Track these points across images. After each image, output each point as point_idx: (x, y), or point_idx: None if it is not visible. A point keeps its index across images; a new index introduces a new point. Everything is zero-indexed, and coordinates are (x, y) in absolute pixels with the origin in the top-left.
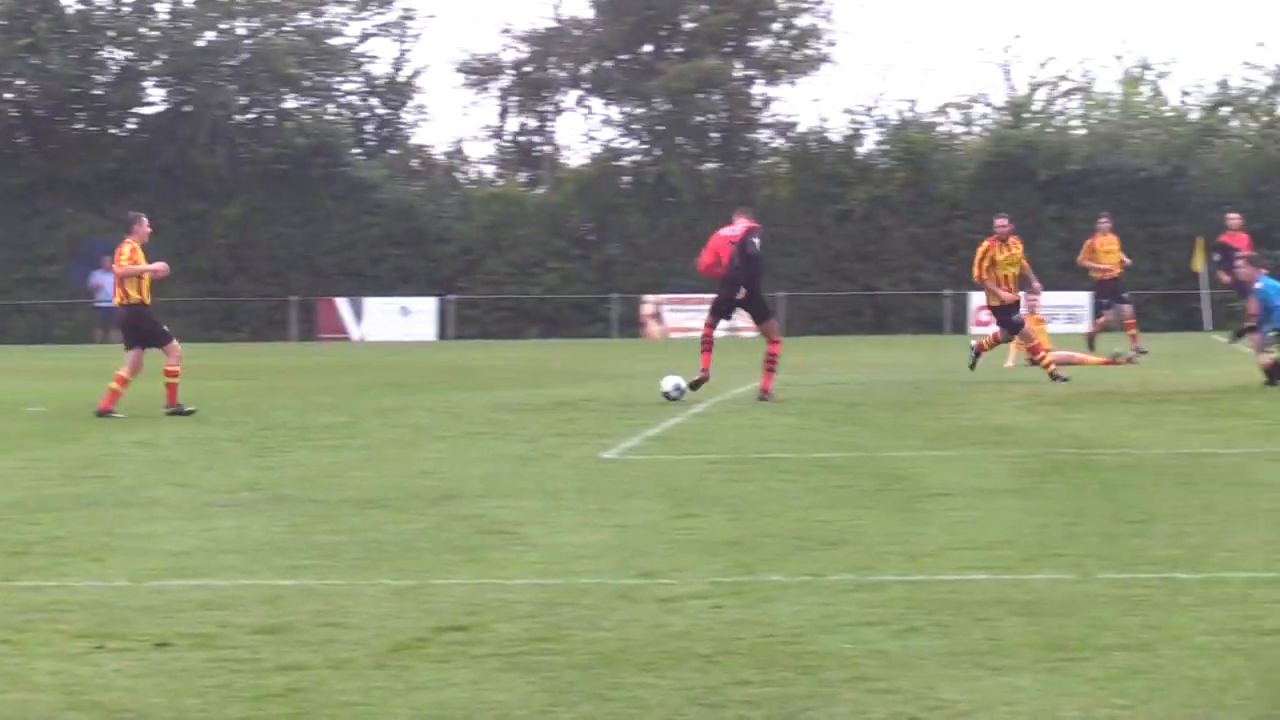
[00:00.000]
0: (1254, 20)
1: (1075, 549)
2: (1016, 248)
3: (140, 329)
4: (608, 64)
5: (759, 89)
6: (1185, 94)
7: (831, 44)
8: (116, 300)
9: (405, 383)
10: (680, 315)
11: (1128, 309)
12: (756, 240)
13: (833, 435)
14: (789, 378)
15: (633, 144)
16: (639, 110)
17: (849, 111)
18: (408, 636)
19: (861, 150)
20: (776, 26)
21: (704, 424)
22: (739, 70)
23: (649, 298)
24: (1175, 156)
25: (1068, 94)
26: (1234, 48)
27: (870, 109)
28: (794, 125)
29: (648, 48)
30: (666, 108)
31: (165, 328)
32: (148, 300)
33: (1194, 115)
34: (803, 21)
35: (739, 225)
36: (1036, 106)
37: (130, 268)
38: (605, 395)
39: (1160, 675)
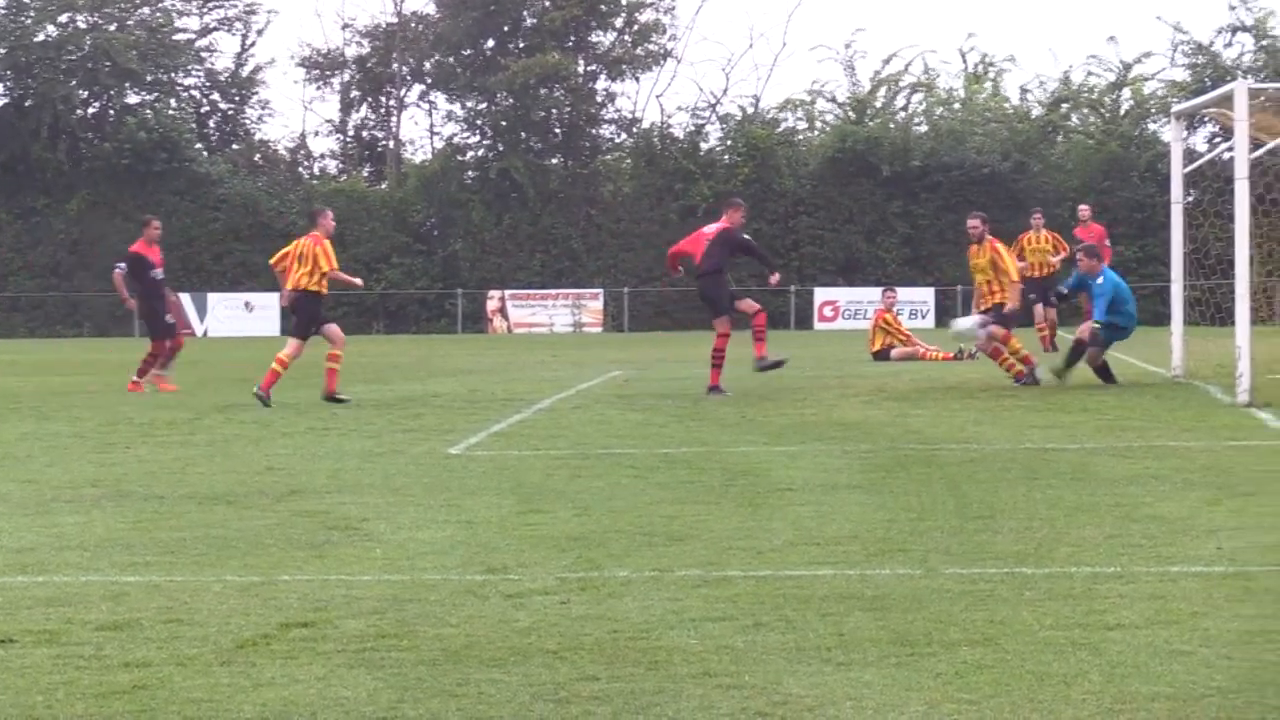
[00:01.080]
0: (1098, 17)
1: (921, 544)
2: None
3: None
4: (450, 59)
5: (602, 84)
6: (1026, 91)
7: (674, 39)
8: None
9: (250, 378)
10: (524, 310)
11: (1051, 313)
12: (732, 238)
13: (678, 431)
14: (635, 374)
15: (476, 139)
16: (482, 106)
17: (693, 109)
18: (253, 633)
19: (705, 146)
20: (619, 22)
21: (550, 420)
22: (582, 66)
23: (493, 293)
24: (1018, 153)
25: (911, 90)
26: (1077, 44)
27: (713, 105)
28: (637, 121)
29: (490, 43)
30: (509, 103)
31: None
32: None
33: (1037, 112)
34: (645, 17)
35: (717, 224)
36: (879, 103)
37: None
38: (450, 391)
39: (1005, 670)
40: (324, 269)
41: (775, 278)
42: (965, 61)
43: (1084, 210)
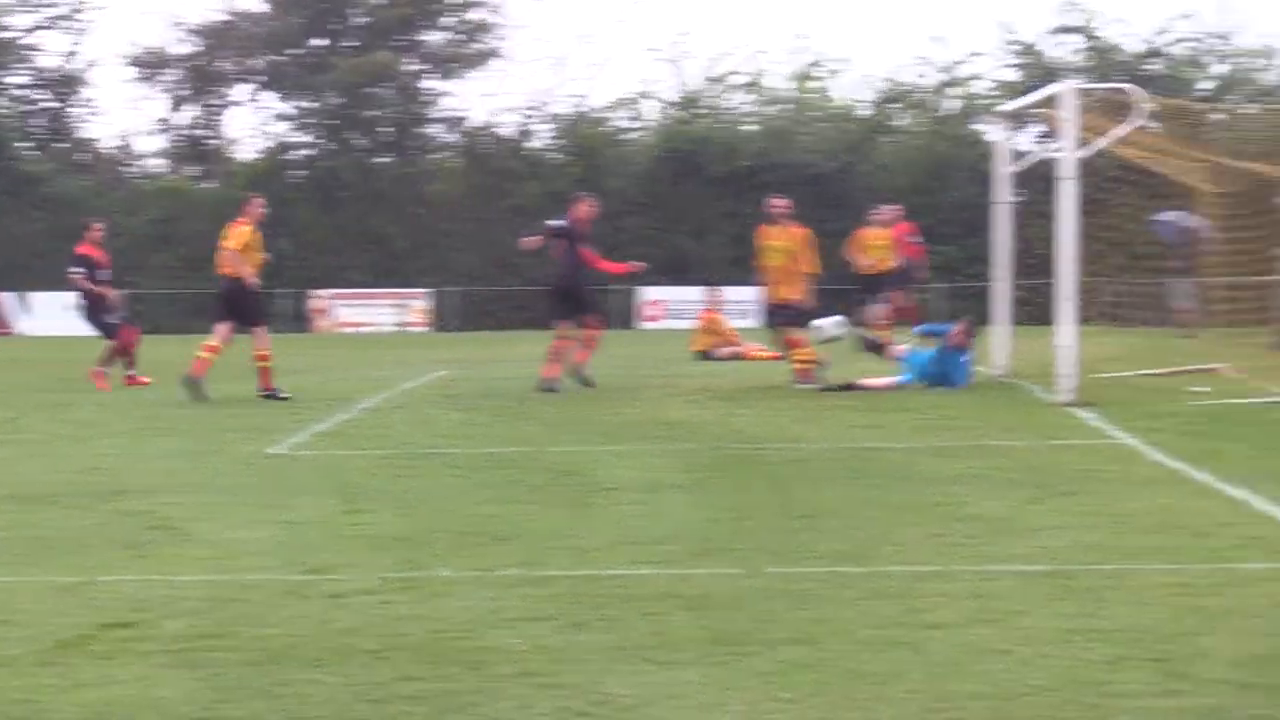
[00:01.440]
0: (927, 17)
1: (743, 544)
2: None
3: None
4: (280, 57)
5: (431, 83)
6: (855, 91)
7: (503, 38)
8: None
9: (74, 378)
10: (351, 310)
11: (879, 309)
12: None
13: (502, 430)
14: (460, 373)
15: (304, 138)
16: (311, 104)
17: (522, 109)
18: (73, 634)
19: (533, 145)
20: (448, 21)
21: (374, 419)
22: (411, 64)
23: (319, 293)
24: (845, 152)
25: (739, 90)
26: (906, 44)
27: (542, 104)
28: (465, 120)
29: (320, 41)
30: (339, 102)
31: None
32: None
33: (864, 111)
34: (474, 16)
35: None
36: (708, 102)
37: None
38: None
39: (826, 669)
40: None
41: (627, 268)
42: (793, 62)
43: (889, 210)
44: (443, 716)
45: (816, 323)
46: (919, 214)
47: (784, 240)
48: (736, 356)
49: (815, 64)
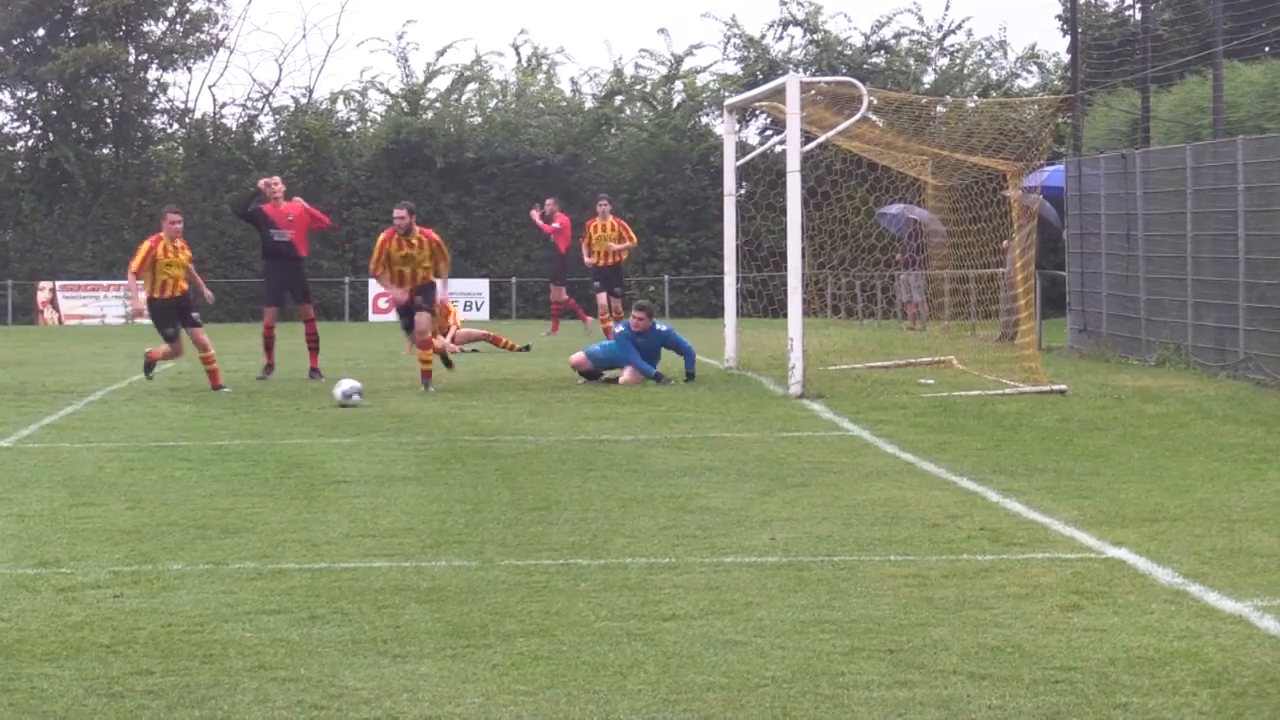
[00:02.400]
0: (651, 10)
1: (477, 536)
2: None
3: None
4: (0, 49)
5: (154, 74)
6: (578, 84)
7: (226, 30)
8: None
9: None
10: (76, 302)
11: (616, 302)
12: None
13: (232, 423)
14: (188, 366)
15: (26, 129)
16: (32, 95)
17: (246, 100)
18: None
19: (258, 137)
20: (170, 11)
21: (103, 412)
22: (133, 55)
23: (44, 284)
24: (572, 145)
25: (464, 82)
26: (631, 37)
27: (266, 95)
28: (190, 111)
29: (41, 32)
30: (60, 93)
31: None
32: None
33: (590, 104)
34: (197, 7)
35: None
36: (433, 94)
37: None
38: (0, 383)
39: (561, 661)
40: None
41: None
42: (519, 55)
43: (602, 204)
44: (179, 710)
45: (338, 387)
46: (647, 206)
47: (413, 249)
48: (482, 339)
49: (540, 56)
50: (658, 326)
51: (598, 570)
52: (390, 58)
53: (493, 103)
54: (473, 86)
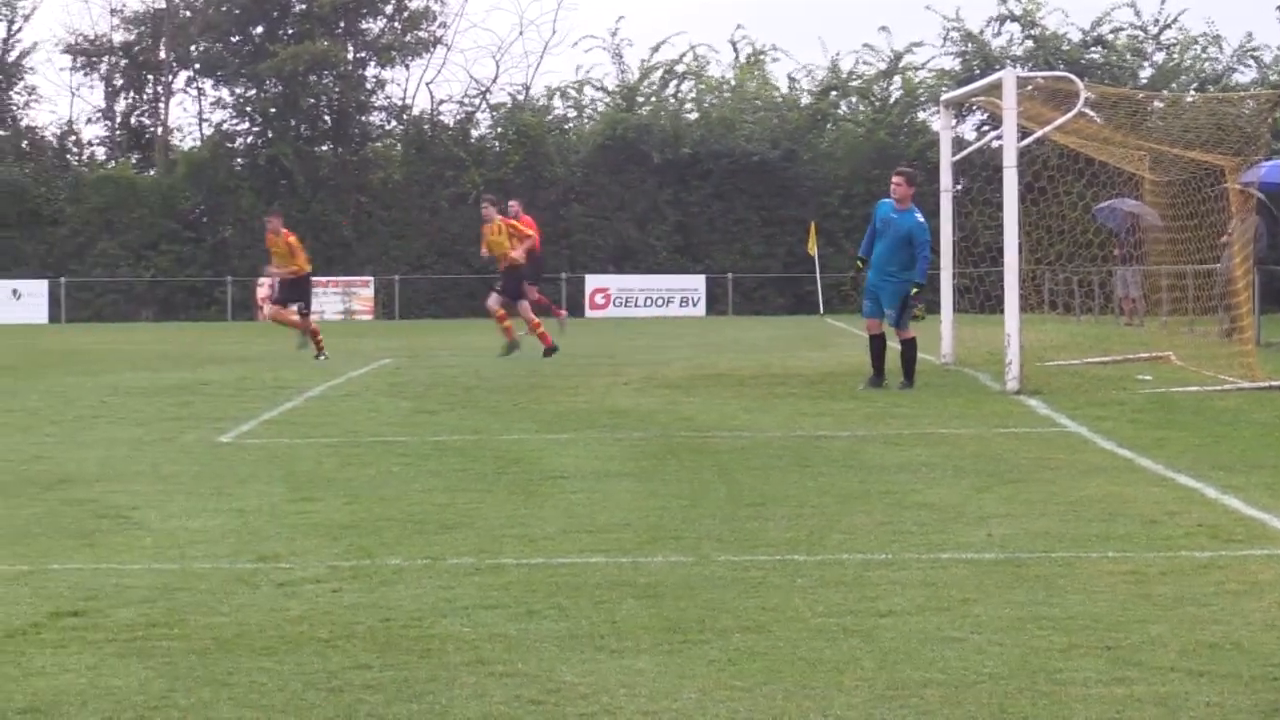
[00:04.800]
0: (868, 6)
1: (693, 532)
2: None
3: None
4: (218, 45)
5: (372, 71)
6: (795, 80)
7: (444, 27)
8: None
9: (16, 366)
10: None
11: (497, 300)
12: None
13: (449, 419)
14: (406, 361)
15: (245, 126)
16: (251, 92)
17: (463, 97)
18: (23, 622)
19: (475, 133)
20: (388, 9)
21: (321, 407)
22: (351, 52)
23: (264, 280)
24: (787, 140)
25: (680, 78)
26: (847, 33)
27: (484, 92)
28: (408, 108)
29: (259, 29)
30: (279, 90)
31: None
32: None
33: (806, 100)
34: (415, 4)
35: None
36: (649, 90)
37: None
38: (221, 379)
39: (778, 657)
40: None
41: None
42: (735, 50)
43: (513, 206)
44: (397, 705)
45: None
46: (862, 202)
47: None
48: (282, 321)
49: (757, 52)
50: (916, 215)
51: (814, 566)
52: (605, 54)
53: (709, 98)
54: (689, 83)
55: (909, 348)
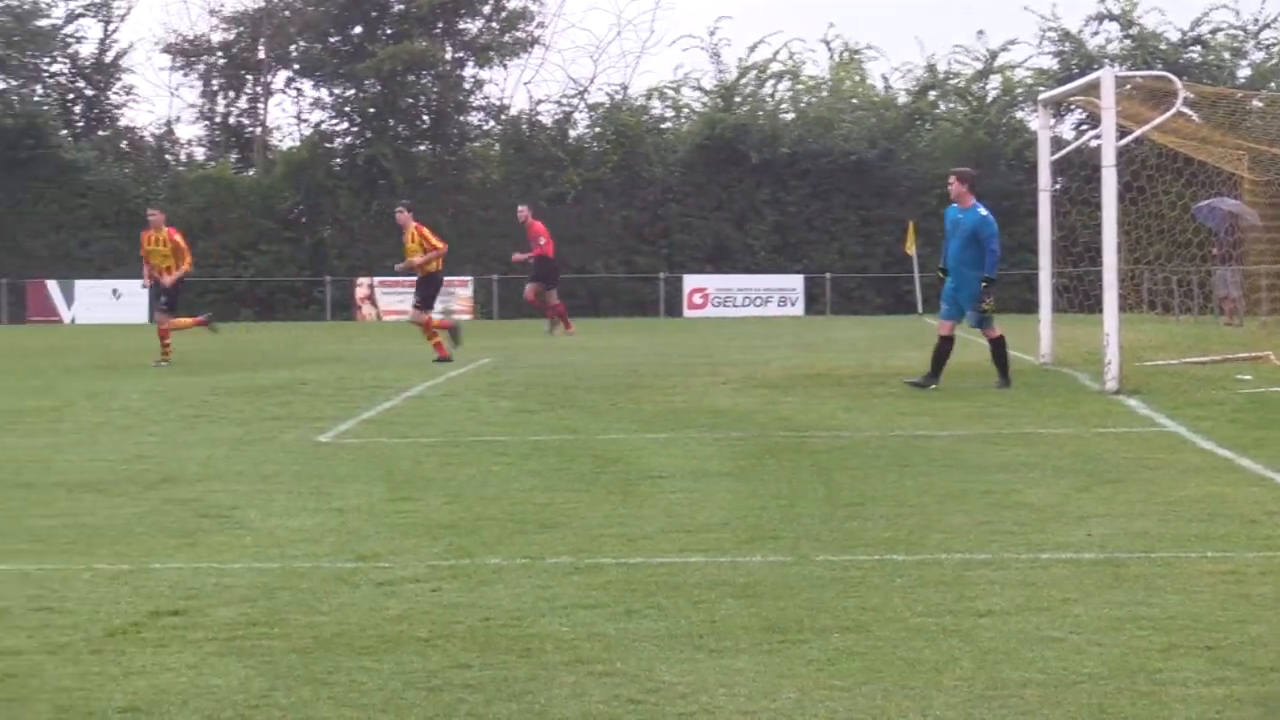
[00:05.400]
0: (963, 4)
1: (792, 531)
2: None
3: None
4: (317, 46)
5: (470, 71)
6: (887, 79)
7: (542, 27)
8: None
9: (118, 365)
10: (393, 297)
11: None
12: None
13: (549, 418)
14: (502, 361)
15: (344, 126)
16: (349, 92)
17: (561, 97)
18: (124, 621)
19: (573, 133)
20: (486, 9)
21: (420, 407)
22: (449, 53)
23: (362, 280)
24: (885, 140)
25: (777, 78)
26: (943, 32)
27: (581, 92)
28: (506, 108)
29: (357, 29)
30: (377, 90)
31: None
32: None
33: (903, 99)
34: (513, 4)
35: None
36: (746, 90)
37: None
38: (320, 378)
39: (877, 656)
40: None
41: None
42: (830, 50)
43: (522, 211)
44: (497, 704)
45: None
46: None
47: (154, 244)
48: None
49: (853, 51)
50: (979, 210)
51: (913, 566)
52: (703, 54)
53: (806, 98)
54: (785, 82)
55: (998, 346)
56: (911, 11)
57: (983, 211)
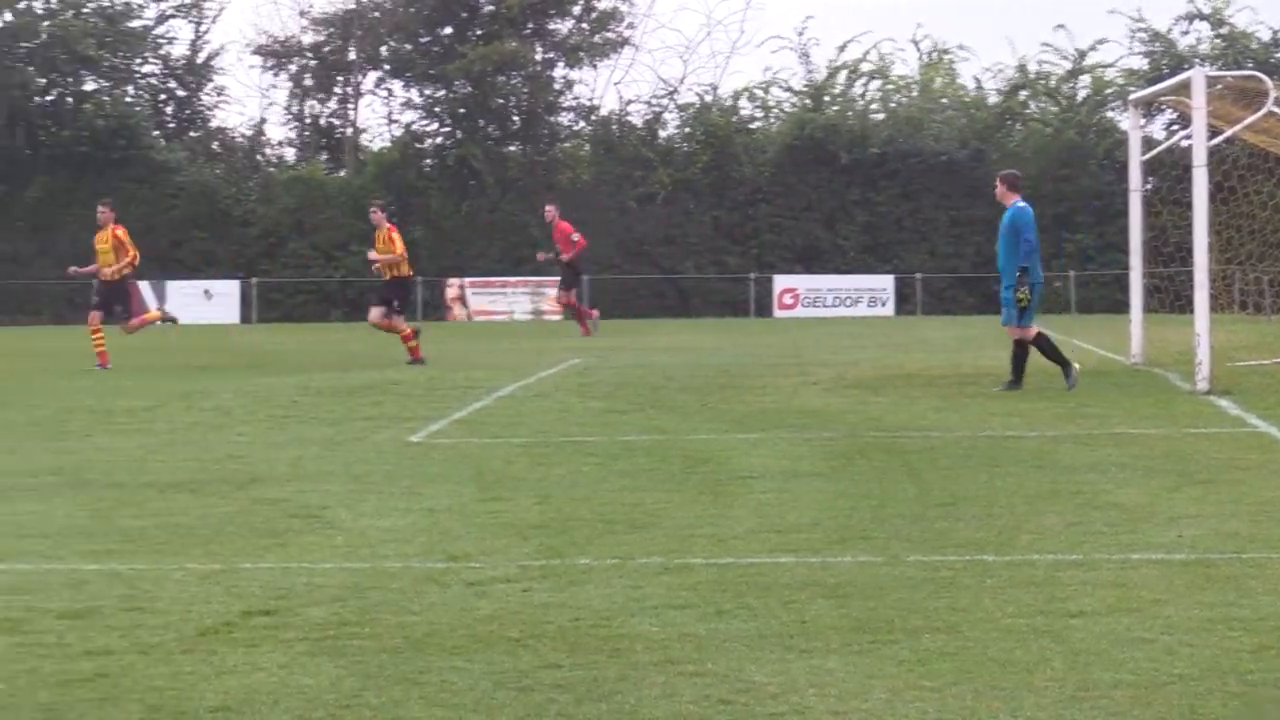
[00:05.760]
0: (1053, 5)
1: (882, 531)
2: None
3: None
4: (408, 47)
5: (560, 72)
6: (978, 79)
7: (632, 27)
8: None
9: (209, 366)
10: (484, 298)
11: (378, 312)
12: None
13: (639, 419)
14: (593, 361)
15: (434, 126)
16: (440, 93)
17: (651, 98)
18: (215, 620)
19: (663, 133)
20: (576, 9)
21: (510, 407)
22: (540, 53)
23: (453, 281)
24: (975, 140)
25: (867, 78)
26: (1032, 32)
27: (671, 93)
28: (596, 108)
29: (448, 30)
30: (468, 90)
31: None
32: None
33: (993, 99)
34: (603, 4)
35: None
36: (836, 90)
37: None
38: (410, 379)
39: (968, 657)
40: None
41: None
42: (919, 50)
43: (549, 211)
44: (587, 704)
45: None
46: (1052, 201)
47: (104, 243)
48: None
49: (940, 52)
50: (1016, 204)
51: (1004, 566)
52: (792, 54)
53: (895, 98)
54: (875, 82)
55: (1020, 348)
56: (997, 10)
57: (1020, 204)
